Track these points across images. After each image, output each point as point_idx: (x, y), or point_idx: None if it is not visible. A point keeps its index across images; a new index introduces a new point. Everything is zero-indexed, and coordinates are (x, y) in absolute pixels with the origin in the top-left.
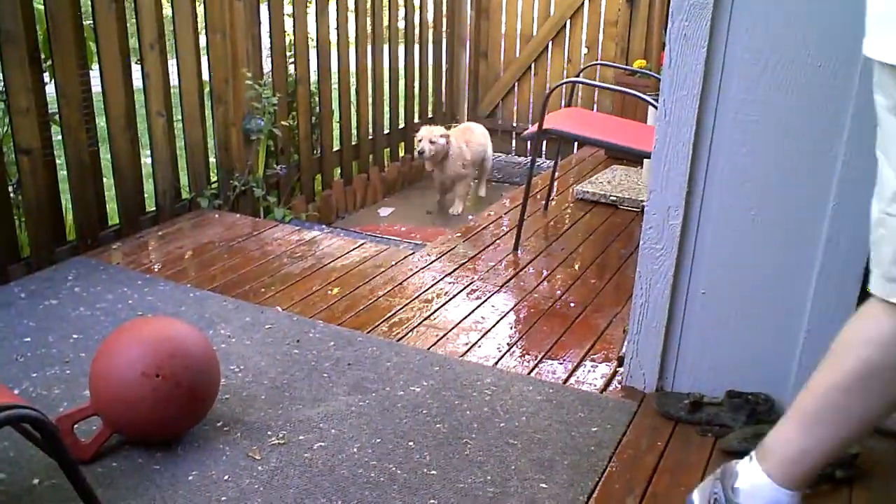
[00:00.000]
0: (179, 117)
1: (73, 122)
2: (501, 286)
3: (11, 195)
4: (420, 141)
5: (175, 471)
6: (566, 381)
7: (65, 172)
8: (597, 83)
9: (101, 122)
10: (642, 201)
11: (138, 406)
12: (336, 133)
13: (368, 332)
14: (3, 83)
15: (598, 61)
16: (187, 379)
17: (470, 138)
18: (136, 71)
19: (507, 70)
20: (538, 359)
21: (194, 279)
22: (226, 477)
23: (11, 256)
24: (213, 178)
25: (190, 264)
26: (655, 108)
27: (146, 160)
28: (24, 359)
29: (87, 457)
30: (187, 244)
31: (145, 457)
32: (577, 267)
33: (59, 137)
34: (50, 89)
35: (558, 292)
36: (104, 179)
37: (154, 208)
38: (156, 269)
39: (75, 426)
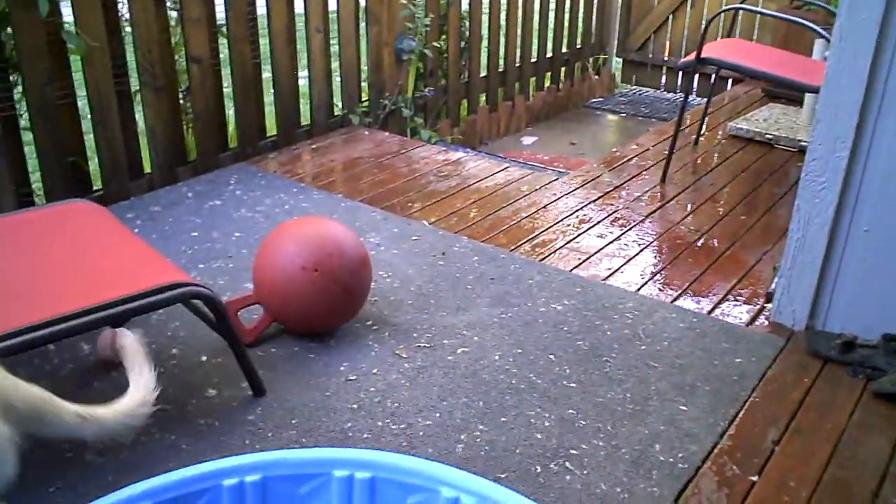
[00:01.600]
0: (335, 37)
1: (239, 35)
2: (646, 216)
3: (181, 101)
4: None
5: (328, 360)
6: (710, 312)
7: (229, 84)
8: (764, 11)
9: (263, 42)
10: (800, 141)
11: (297, 298)
12: (484, 59)
13: (512, 251)
14: None
15: None
16: (342, 276)
17: None
18: None
19: (662, 1)
20: (682, 289)
21: (345, 190)
22: (375, 370)
23: (180, 159)
24: (364, 97)
25: (341, 176)
26: (827, 39)
27: (302, 81)
28: (192, 251)
29: (250, 340)
30: (338, 158)
31: (301, 346)
32: (725, 203)
33: (226, 51)
34: (218, 1)
35: (705, 226)
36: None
37: (308, 123)
38: (309, 179)
39: (239, 313)
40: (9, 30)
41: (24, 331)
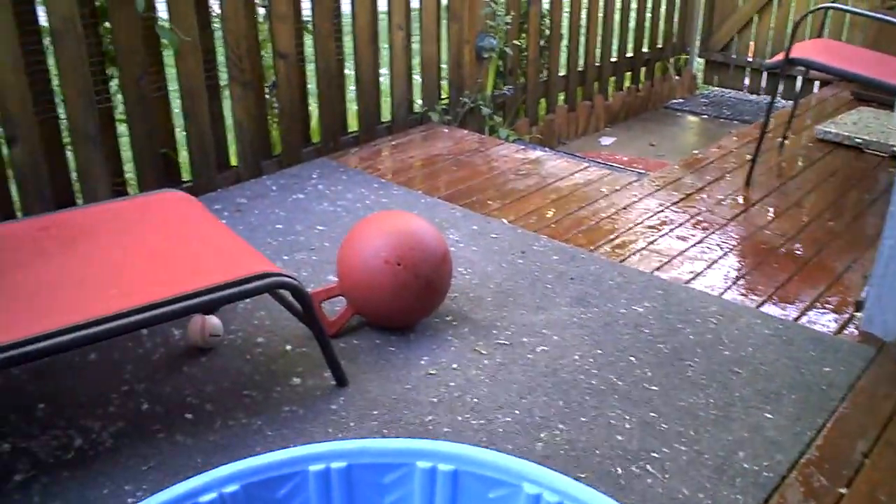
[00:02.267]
0: (416, 34)
1: (324, 31)
2: (729, 220)
3: (266, 97)
4: None
5: (408, 354)
6: (797, 319)
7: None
8: (856, 10)
9: (346, 39)
10: (892, 146)
11: (379, 291)
12: (563, 58)
13: (591, 251)
14: None
15: None
16: (424, 270)
17: None
18: None
19: (748, 0)
20: (767, 295)
21: (424, 187)
22: (454, 366)
23: (265, 153)
24: (444, 94)
25: (420, 173)
26: None
27: (382, 79)
28: (276, 243)
29: (333, 332)
30: (418, 154)
31: (382, 339)
32: (812, 208)
33: (311, 47)
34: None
35: (790, 232)
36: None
37: (389, 119)
38: (389, 175)
39: (322, 304)
40: (107, 24)
41: (121, 315)
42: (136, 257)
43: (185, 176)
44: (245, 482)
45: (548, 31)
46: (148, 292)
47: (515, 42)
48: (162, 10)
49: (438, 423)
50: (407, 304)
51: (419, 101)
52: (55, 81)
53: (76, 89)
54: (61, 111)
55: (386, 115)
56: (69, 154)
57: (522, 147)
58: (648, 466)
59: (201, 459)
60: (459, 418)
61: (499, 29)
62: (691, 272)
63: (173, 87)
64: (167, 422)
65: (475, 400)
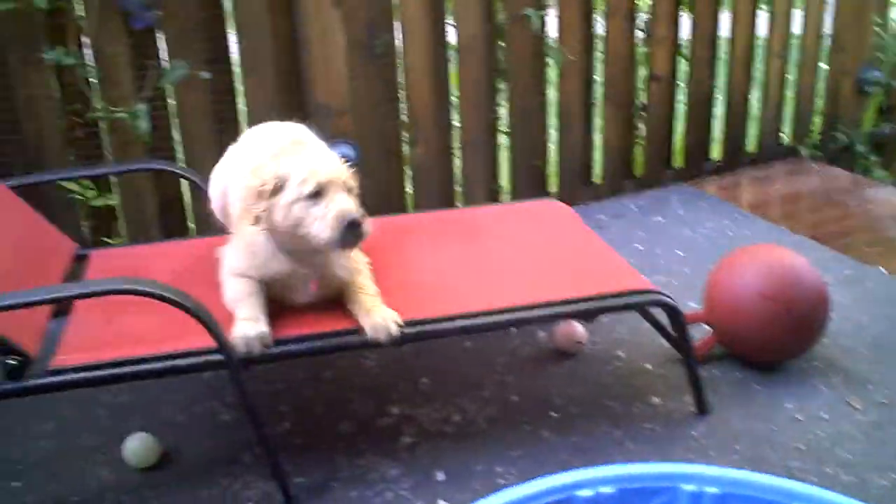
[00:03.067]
0: (792, 63)
1: (701, 56)
2: None
3: (633, 118)
4: None
5: (773, 393)
6: None
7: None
8: None
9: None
10: None
11: (749, 324)
12: None
13: None
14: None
15: None
16: (799, 310)
17: None
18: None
19: None
20: None
21: (789, 223)
22: (823, 415)
23: (627, 173)
24: (814, 128)
25: (783, 208)
26: None
27: (754, 103)
28: (635, 263)
29: (695, 357)
30: (781, 189)
31: (745, 373)
32: None
33: (684, 71)
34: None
35: None
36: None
37: (753, 150)
38: (749, 208)
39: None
40: (501, 43)
41: (505, 311)
42: (522, 258)
43: (552, 188)
44: (621, 486)
45: None
46: (532, 293)
47: None
48: (552, 31)
49: (805, 472)
50: (777, 342)
51: (787, 133)
52: (454, 92)
53: (470, 100)
54: (455, 119)
55: (750, 144)
56: (456, 159)
57: None
58: None
59: (565, 457)
60: (828, 470)
61: (887, 61)
62: None
63: (551, 103)
64: (533, 416)
65: (847, 455)
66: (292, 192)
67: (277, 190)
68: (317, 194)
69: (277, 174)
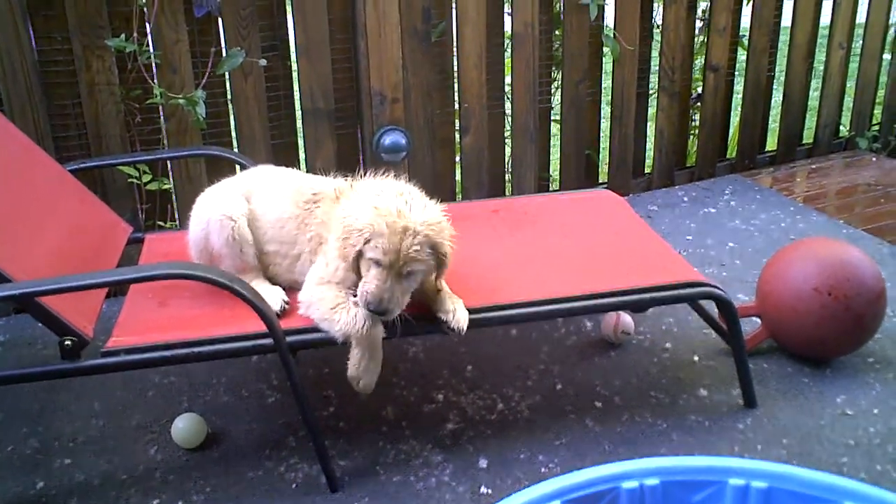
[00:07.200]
0: (855, 53)
1: (759, 46)
2: None
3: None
4: None
5: (823, 389)
6: None
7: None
8: None
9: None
10: None
11: (803, 318)
12: None
13: None
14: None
15: None
16: (857, 305)
17: None
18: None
19: None
20: None
21: (845, 216)
22: (875, 411)
23: (679, 163)
24: (875, 120)
25: (839, 201)
26: None
27: (812, 93)
28: (685, 254)
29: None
30: (838, 181)
31: (794, 367)
32: None
33: (742, 61)
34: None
35: None
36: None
37: (810, 141)
38: (804, 200)
39: None
40: (556, 32)
41: (559, 300)
42: (573, 248)
43: (601, 178)
44: (666, 479)
45: None
46: (583, 283)
47: None
48: (609, 19)
49: (854, 468)
50: (830, 337)
51: (845, 125)
52: (507, 80)
53: (523, 88)
54: (507, 107)
55: (807, 136)
56: (507, 147)
57: None
58: None
59: (608, 447)
60: (878, 467)
61: None
62: None
63: (605, 92)
64: (578, 405)
65: None
66: (367, 249)
67: (366, 241)
68: (377, 262)
69: (374, 228)
